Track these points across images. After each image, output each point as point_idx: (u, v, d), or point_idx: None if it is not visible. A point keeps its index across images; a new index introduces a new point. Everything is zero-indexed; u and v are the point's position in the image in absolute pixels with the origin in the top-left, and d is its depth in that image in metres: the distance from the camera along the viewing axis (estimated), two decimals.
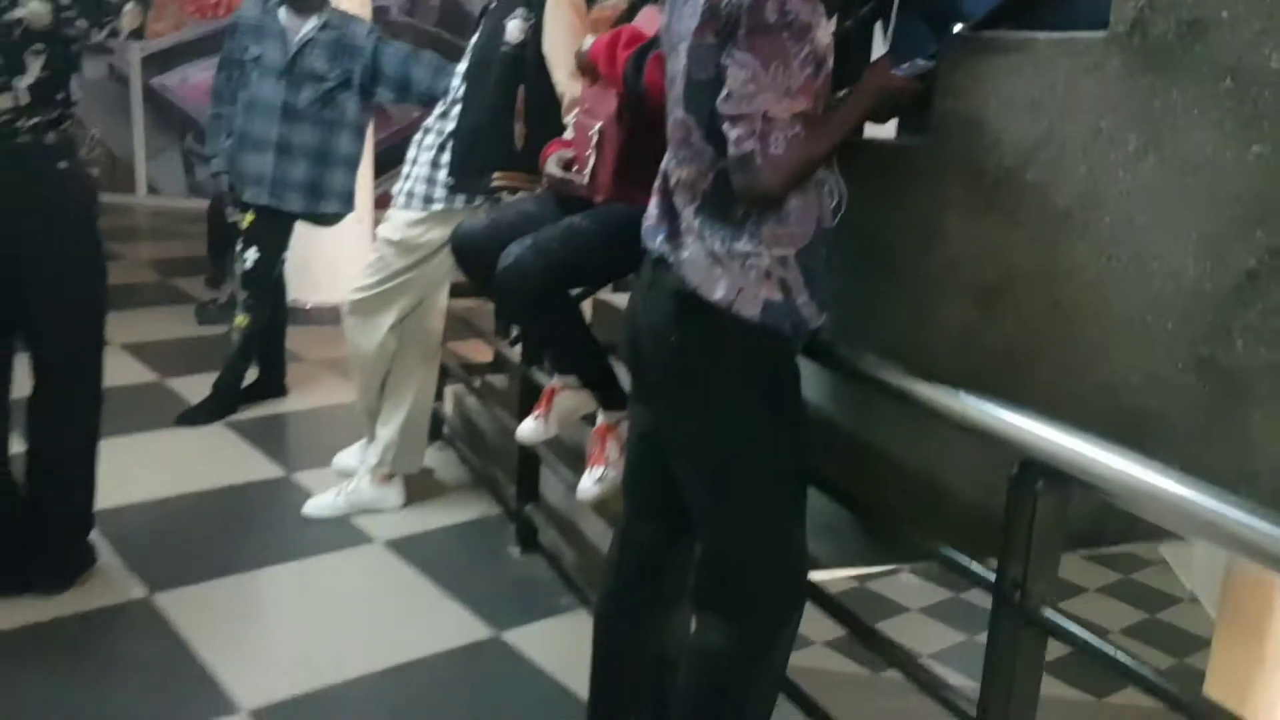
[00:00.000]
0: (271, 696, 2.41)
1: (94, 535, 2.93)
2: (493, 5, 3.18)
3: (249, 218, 3.99)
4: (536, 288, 2.21)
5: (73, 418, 2.77)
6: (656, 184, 1.81)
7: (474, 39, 3.23)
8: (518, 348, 3.29)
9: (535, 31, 3.01)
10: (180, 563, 3.00)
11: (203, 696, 2.40)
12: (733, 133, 1.58)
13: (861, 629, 1.92)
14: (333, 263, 5.35)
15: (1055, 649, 1.43)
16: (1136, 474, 1.26)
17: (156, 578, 2.90)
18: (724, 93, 1.58)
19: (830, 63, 1.61)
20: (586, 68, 2.36)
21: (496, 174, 3.01)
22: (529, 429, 2.63)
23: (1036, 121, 1.52)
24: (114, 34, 2.70)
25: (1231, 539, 1.17)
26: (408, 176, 3.21)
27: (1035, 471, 1.36)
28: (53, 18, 2.51)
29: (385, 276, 3.25)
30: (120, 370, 4.52)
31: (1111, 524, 1.60)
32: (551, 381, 2.60)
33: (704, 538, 1.81)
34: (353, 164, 3.97)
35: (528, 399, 2.89)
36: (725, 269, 1.64)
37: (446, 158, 3.14)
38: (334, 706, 2.43)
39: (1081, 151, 1.45)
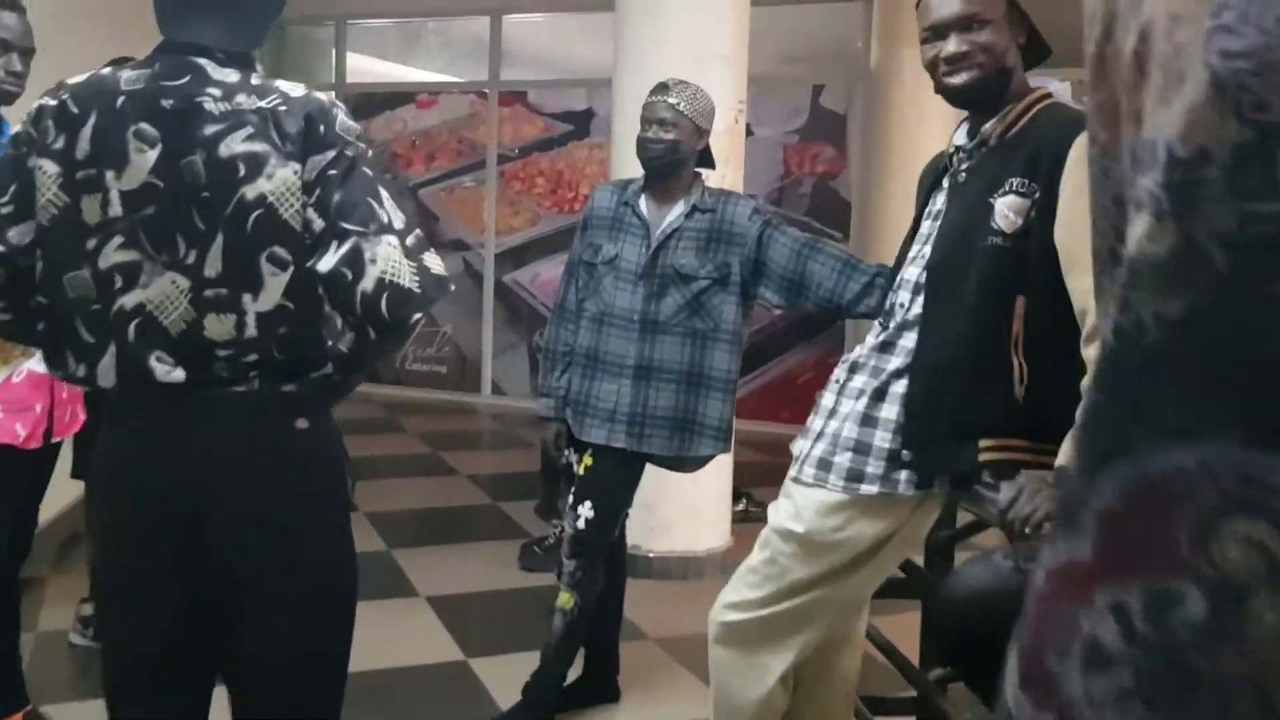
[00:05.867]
0: None
1: None
2: (961, 172, 2.01)
3: (586, 462, 2.96)
4: None
5: None
6: None
7: (925, 226, 2.06)
8: None
9: (1043, 213, 1.84)
10: None
11: None
12: None
13: None
14: (686, 498, 4.28)
15: None
16: None
17: None
18: None
19: None
20: None
21: (985, 441, 1.79)
22: None
23: None
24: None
25: None
26: (819, 435, 2.03)
27: None
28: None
29: (778, 590, 2.05)
30: (420, 636, 3.60)
31: None
32: None
33: None
34: (729, 388, 2.87)
35: None
36: None
37: (890, 410, 1.94)
38: None
39: None
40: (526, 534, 4.80)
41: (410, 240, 1.60)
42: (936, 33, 1.95)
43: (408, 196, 7.99)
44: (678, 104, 2.75)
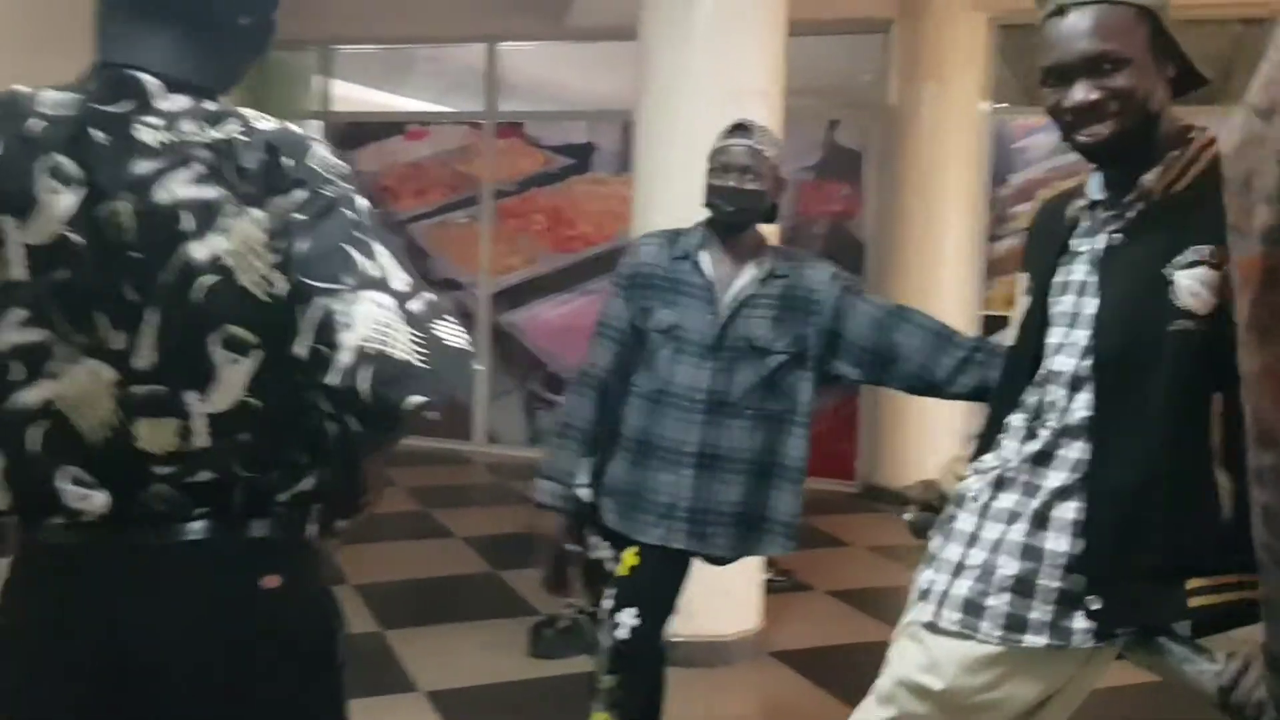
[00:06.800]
0: None
1: None
2: (1115, 234, 1.62)
3: (629, 561, 2.55)
4: None
5: None
6: None
7: (1065, 302, 1.67)
8: None
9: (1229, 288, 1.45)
10: None
11: None
12: None
13: None
14: (712, 575, 3.83)
15: None
16: None
17: None
18: None
19: None
20: None
21: (1194, 582, 1.42)
22: None
23: None
24: None
25: None
26: (960, 568, 1.63)
27: None
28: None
29: None
30: None
31: None
32: None
33: None
34: (801, 478, 2.49)
35: None
36: None
37: (1056, 540, 1.54)
38: None
39: None
40: (532, 609, 4.36)
41: (416, 305, 1.18)
42: (1059, 75, 1.56)
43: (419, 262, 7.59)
44: (762, 149, 2.36)
